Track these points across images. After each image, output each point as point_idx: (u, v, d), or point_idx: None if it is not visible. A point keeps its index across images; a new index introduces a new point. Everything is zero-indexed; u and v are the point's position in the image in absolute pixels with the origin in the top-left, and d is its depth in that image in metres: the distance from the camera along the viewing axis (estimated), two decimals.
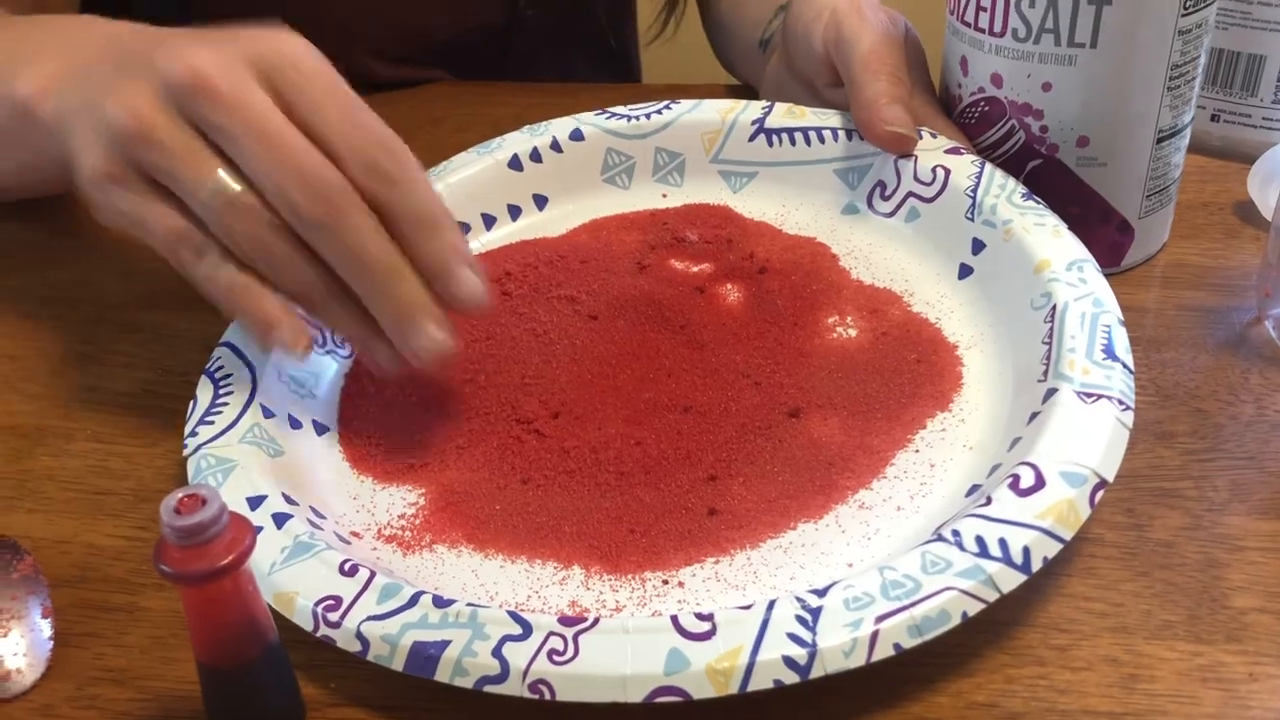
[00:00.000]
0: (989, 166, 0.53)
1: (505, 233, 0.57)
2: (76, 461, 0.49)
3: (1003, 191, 0.51)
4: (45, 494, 0.47)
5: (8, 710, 0.39)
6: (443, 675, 0.35)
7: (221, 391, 0.45)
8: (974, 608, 0.35)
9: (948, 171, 0.53)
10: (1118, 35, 0.50)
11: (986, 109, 0.54)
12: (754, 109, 0.58)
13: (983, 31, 0.52)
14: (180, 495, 0.32)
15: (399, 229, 0.42)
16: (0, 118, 0.52)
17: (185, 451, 0.44)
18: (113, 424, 0.51)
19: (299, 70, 0.42)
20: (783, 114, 0.58)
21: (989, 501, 0.38)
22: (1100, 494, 0.38)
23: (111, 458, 0.49)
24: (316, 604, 0.37)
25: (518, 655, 0.35)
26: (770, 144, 0.57)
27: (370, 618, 0.36)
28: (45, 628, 0.40)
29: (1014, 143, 0.54)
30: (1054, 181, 0.53)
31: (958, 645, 0.37)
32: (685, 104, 0.59)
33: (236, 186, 0.41)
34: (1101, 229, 0.54)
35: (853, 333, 0.49)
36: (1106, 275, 0.47)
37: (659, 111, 0.59)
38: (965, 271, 0.51)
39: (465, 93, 0.81)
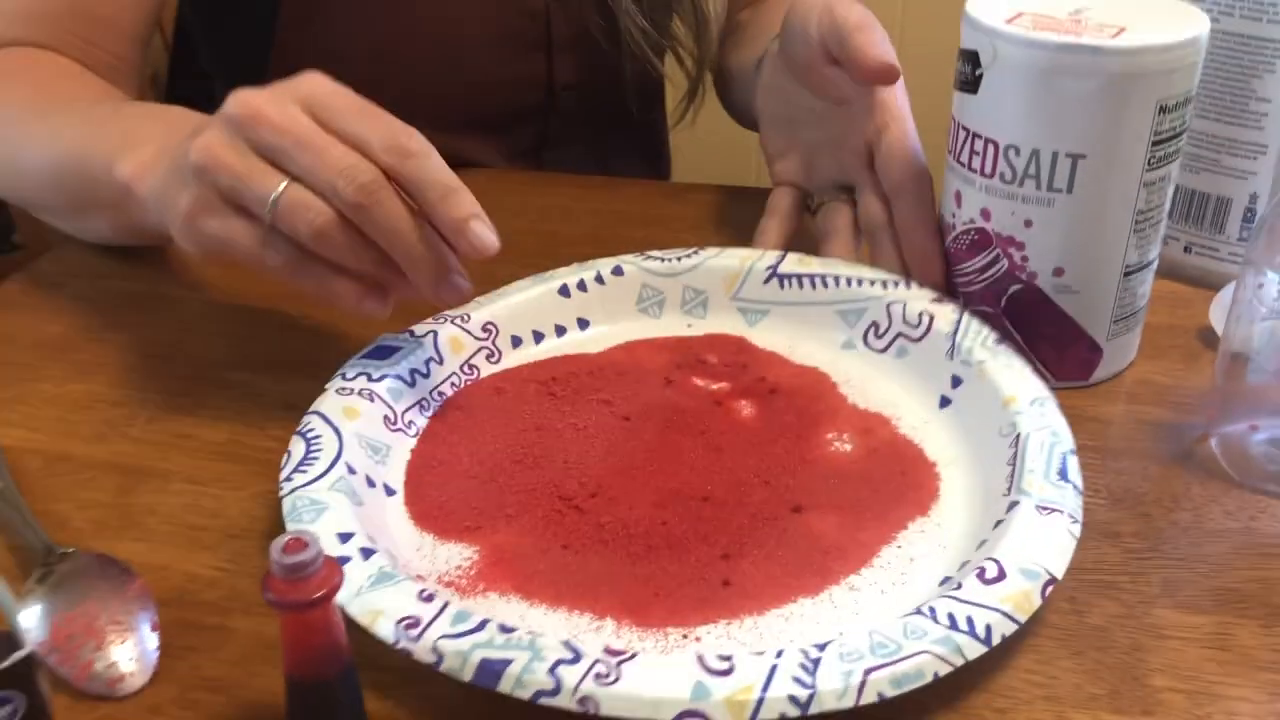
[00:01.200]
0: (967, 315, 0.59)
1: (550, 346, 0.63)
2: (174, 499, 0.54)
3: (978, 337, 0.58)
4: (148, 526, 0.52)
5: (122, 708, 0.44)
6: (505, 687, 0.41)
7: (312, 448, 0.51)
8: (944, 669, 0.42)
9: (932, 317, 0.60)
10: (1091, 184, 0.56)
11: (976, 238, 0.60)
12: (769, 257, 0.65)
13: (975, 172, 0.59)
14: (287, 539, 0.38)
15: (422, 196, 0.51)
16: (106, 194, 0.62)
17: (281, 493, 0.49)
18: (205, 468, 0.55)
19: (327, 93, 0.52)
20: (794, 262, 0.65)
21: (960, 587, 0.44)
22: (1051, 588, 0.45)
23: (204, 498, 0.54)
24: (398, 622, 0.43)
25: (569, 675, 0.41)
26: (782, 287, 0.64)
27: (444, 636, 0.42)
28: (153, 640, 0.46)
29: (998, 269, 0.60)
30: (1032, 304, 0.59)
31: (916, 701, 0.42)
32: (711, 250, 0.66)
33: (295, 192, 0.50)
34: (1073, 348, 0.60)
35: (848, 447, 0.56)
36: (1077, 388, 0.53)
37: (689, 255, 0.66)
38: (945, 402, 0.58)
39: (512, 181, 0.86)
